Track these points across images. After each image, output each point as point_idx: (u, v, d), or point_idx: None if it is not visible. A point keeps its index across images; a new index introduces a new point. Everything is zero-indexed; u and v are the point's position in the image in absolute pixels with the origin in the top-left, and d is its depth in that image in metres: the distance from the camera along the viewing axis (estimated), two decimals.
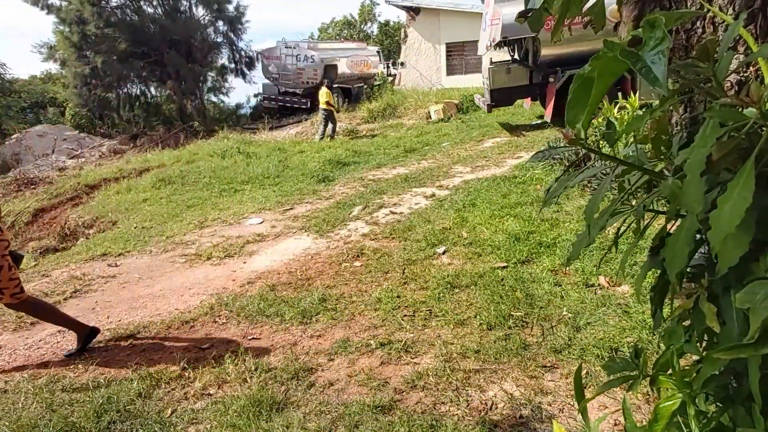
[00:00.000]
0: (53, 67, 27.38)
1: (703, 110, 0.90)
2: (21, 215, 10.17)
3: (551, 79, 11.01)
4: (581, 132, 0.75)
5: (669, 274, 0.75)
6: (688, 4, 0.92)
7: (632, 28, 1.01)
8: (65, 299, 4.63)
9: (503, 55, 12.85)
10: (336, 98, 15.49)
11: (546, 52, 10.88)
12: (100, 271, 5.38)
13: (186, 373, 3.13)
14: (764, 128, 0.62)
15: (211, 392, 2.91)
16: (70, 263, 5.77)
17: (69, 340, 3.79)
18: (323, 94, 14.33)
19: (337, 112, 15.22)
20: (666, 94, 0.64)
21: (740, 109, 0.66)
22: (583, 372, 2.65)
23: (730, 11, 0.86)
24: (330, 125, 14.69)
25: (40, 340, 3.85)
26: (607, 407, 2.40)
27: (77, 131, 21.84)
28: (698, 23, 0.93)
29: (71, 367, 3.39)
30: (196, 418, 2.68)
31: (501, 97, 11.88)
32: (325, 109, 14.41)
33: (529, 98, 12.43)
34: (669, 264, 0.73)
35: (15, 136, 19.39)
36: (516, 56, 12.14)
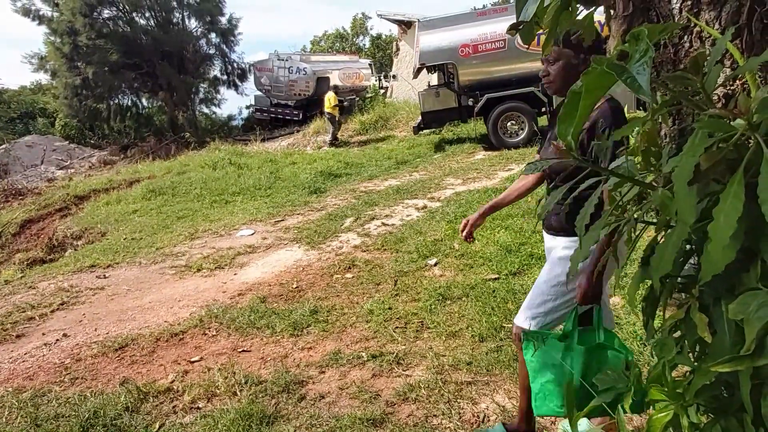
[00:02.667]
0: (44, 78, 27.27)
1: (691, 122, 0.92)
2: (8, 226, 10.05)
3: (470, 102, 11.52)
4: (571, 144, 0.76)
5: (653, 278, 0.75)
6: (676, 18, 0.94)
7: (621, 42, 1.03)
8: (52, 311, 4.56)
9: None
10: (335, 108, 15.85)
11: (463, 77, 11.38)
12: (88, 282, 5.31)
13: (175, 387, 3.08)
14: (752, 139, 0.63)
15: (200, 406, 2.87)
16: (57, 275, 5.70)
17: (55, 353, 3.73)
18: (328, 99, 14.81)
19: (337, 117, 15.56)
20: (650, 102, 0.65)
21: (729, 121, 0.67)
22: None
23: (717, 26, 0.87)
24: (332, 129, 15.15)
25: (25, 353, 3.78)
26: (599, 418, 2.39)
27: (67, 142, 21.72)
28: (686, 38, 0.94)
29: (57, 380, 3.33)
30: None
31: (431, 119, 12.34)
32: (330, 113, 14.86)
33: (459, 120, 12.92)
34: (654, 268, 0.74)
35: (3, 146, 19.22)
36: (450, 80, 12.56)
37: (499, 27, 10.88)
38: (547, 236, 2.20)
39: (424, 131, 15.28)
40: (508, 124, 11.14)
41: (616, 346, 1.86)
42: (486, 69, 11.13)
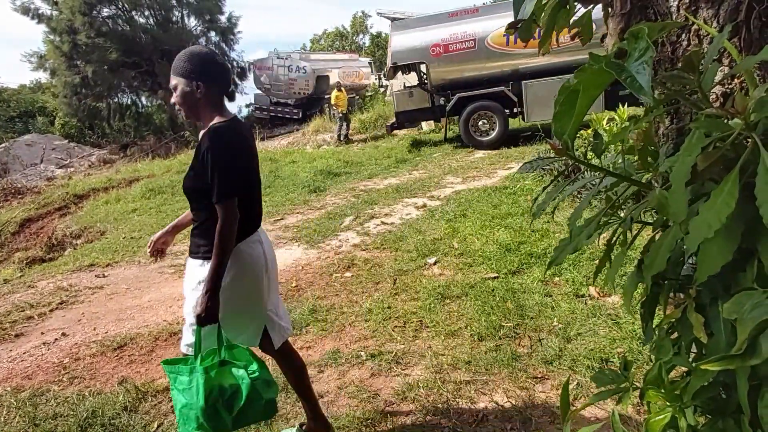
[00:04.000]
0: (43, 77, 27.26)
1: (689, 121, 0.91)
2: (8, 225, 10.04)
3: (442, 101, 11.74)
4: (568, 142, 0.75)
5: (645, 277, 0.75)
6: (673, 16, 0.93)
7: (618, 40, 1.02)
8: (51, 311, 4.56)
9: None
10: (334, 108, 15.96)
11: (435, 76, 11.55)
12: (87, 281, 5.31)
13: None
14: (749, 139, 0.63)
15: None
16: (56, 274, 5.69)
17: (54, 353, 3.73)
18: (333, 96, 14.98)
19: (342, 114, 15.70)
20: (651, 103, 0.64)
21: (726, 120, 0.66)
22: (574, 383, 2.64)
23: (715, 24, 0.87)
24: (342, 124, 15.43)
25: (24, 353, 3.78)
26: (598, 419, 2.39)
27: (66, 141, 21.71)
28: (683, 36, 0.94)
29: (56, 380, 3.33)
30: None
31: (405, 119, 12.52)
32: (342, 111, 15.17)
33: (432, 120, 13.09)
34: (647, 266, 0.73)
35: (3, 145, 19.21)
36: (423, 80, 12.70)
37: (469, 27, 11.09)
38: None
39: (424, 129, 15.34)
40: (480, 123, 11.38)
41: (243, 360, 1.94)
42: (457, 68, 11.34)
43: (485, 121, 11.30)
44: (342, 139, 15.33)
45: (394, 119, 12.85)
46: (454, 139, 12.59)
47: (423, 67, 11.92)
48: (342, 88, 15.57)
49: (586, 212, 0.89)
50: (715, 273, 0.63)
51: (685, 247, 0.81)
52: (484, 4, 11.50)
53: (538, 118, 11.29)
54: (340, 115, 15.31)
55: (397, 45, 11.42)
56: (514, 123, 12.40)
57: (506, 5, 10.92)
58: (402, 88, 13.14)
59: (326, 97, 18.40)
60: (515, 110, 11.40)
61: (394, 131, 13.76)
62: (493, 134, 11.30)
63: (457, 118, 11.78)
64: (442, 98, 11.76)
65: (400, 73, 12.85)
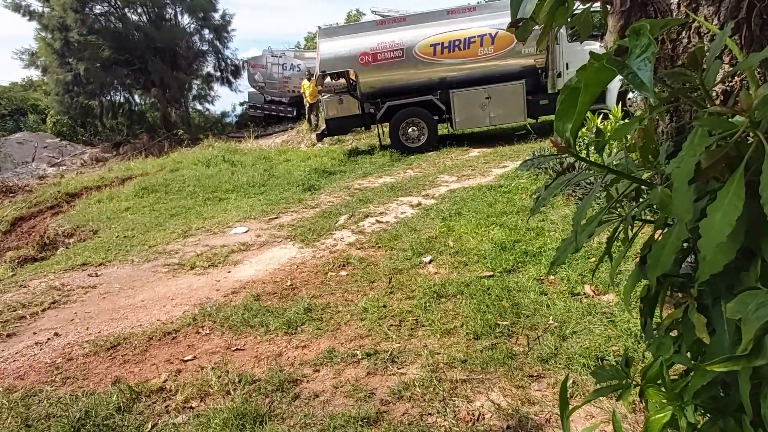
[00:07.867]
0: (34, 74, 26.97)
1: (689, 119, 0.90)
2: None
3: (372, 110, 11.84)
4: (570, 140, 0.75)
5: (649, 277, 0.74)
6: (674, 13, 0.93)
7: (618, 37, 1.02)
8: (43, 310, 4.51)
9: None
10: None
11: (364, 84, 11.67)
12: (80, 281, 5.26)
13: (167, 386, 3.06)
14: (753, 137, 0.62)
15: (193, 405, 2.84)
16: (48, 273, 5.64)
17: (47, 353, 3.69)
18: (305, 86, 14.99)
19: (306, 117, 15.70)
20: (652, 99, 0.64)
21: (728, 118, 0.66)
22: (570, 381, 2.65)
23: (716, 21, 0.86)
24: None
25: (16, 353, 3.74)
26: (594, 417, 2.39)
27: (58, 139, 21.54)
28: (684, 33, 0.93)
29: (48, 380, 3.30)
30: None
31: (335, 126, 12.53)
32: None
33: (363, 127, 13.09)
34: (650, 267, 0.72)
35: None
36: (352, 88, 12.78)
37: (397, 36, 11.18)
38: None
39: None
40: (409, 130, 11.61)
41: None
42: (385, 77, 11.43)
43: (415, 128, 11.59)
44: (316, 130, 15.18)
45: (324, 127, 12.82)
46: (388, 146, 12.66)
47: (352, 75, 11.94)
48: (311, 78, 15.51)
49: (589, 211, 0.88)
50: (717, 272, 0.62)
51: (687, 245, 0.81)
52: (478, 3, 11.47)
53: (465, 126, 11.73)
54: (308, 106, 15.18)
55: (325, 52, 11.36)
56: (443, 129, 12.59)
57: (432, 15, 11.07)
58: (331, 93, 13.12)
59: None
60: (444, 116, 11.62)
61: (324, 138, 13.77)
62: (422, 141, 11.64)
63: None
64: (372, 106, 11.82)
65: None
